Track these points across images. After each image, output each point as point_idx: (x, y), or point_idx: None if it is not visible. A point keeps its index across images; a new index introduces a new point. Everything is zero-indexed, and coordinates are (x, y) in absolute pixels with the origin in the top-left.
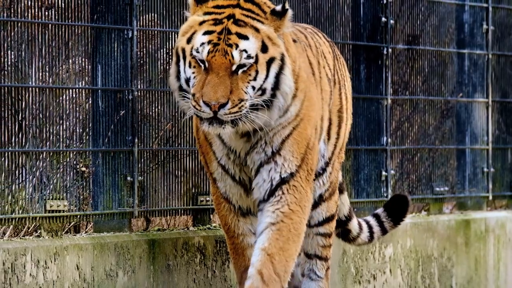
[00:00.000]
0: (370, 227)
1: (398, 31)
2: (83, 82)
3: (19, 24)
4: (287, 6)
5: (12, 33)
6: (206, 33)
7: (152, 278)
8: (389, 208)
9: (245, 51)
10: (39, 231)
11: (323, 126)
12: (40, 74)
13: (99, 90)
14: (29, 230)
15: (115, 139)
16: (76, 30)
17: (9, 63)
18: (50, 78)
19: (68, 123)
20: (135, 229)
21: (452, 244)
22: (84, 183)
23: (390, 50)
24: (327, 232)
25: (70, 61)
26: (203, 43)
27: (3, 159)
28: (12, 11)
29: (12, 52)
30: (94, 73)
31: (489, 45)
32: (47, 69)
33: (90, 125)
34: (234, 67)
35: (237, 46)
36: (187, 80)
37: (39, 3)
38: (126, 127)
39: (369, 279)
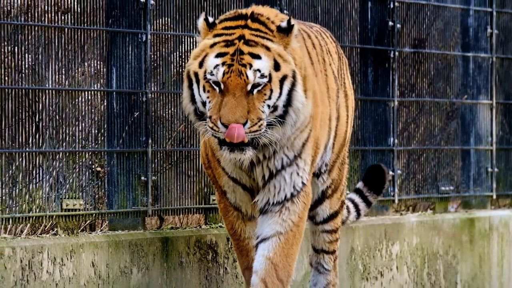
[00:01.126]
0: (356, 206)
1: (404, 35)
2: (98, 84)
3: (36, 28)
4: (292, 22)
5: (30, 37)
6: (218, 55)
7: (166, 275)
8: (368, 181)
9: (259, 70)
10: (55, 229)
11: (331, 126)
12: (57, 76)
13: (114, 92)
14: (46, 228)
15: (129, 140)
16: (92, 34)
17: (27, 66)
18: (66, 81)
19: (83, 124)
20: (149, 227)
21: (457, 242)
22: (100, 183)
23: (397, 53)
24: (332, 228)
25: (86, 64)
26: (217, 65)
27: (20, 159)
28: (29, 15)
29: (30, 55)
30: (109, 76)
31: (493, 48)
32: (63, 72)
33: (105, 126)
34: (249, 87)
35: (251, 66)
36: (204, 103)
37: (56, 8)
38: (140, 128)
39: (376, 275)
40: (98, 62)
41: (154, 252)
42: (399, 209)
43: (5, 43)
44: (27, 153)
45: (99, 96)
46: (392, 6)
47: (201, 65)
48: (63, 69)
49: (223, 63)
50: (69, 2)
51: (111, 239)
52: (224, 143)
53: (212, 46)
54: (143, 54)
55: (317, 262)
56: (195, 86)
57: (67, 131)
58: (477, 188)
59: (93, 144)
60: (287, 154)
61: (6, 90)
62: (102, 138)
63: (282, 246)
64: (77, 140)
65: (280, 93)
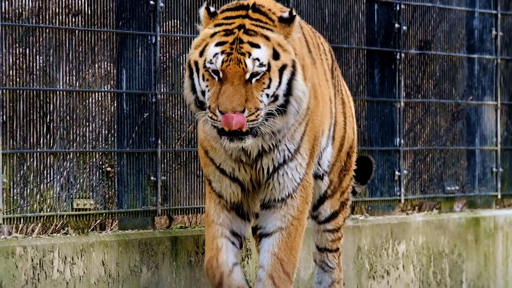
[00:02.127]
0: None
1: (410, 36)
2: (109, 85)
3: (47, 30)
4: (294, 12)
5: (41, 39)
6: (218, 44)
7: (175, 274)
8: (355, 171)
9: (258, 59)
10: (66, 229)
11: (330, 128)
12: (68, 78)
13: (124, 94)
14: (56, 228)
15: (139, 141)
16: (102, 36)
17: (38, 67)
18: (77, 82)
19: (94, 125)
20: (158, 226)
21: (463, 241)
22: (110, 183)
23: (403, 55)
24: (334, 227)
25: (96, 65)
26: (216, 54)
27: (32, 159)
28: (41, 17)
29: (41, 57)
30: (119, 77)
31: (498, 50)
32: (74, 73)
33: (115, 127)
34: (247, 76)
35: (250, 54)
36: (203, 93)
37: (67, 10)
38: (149, 129)
39: (382, 274)
40: (108, 64)
41: (164, 251)
42: (405, 209)
43: (17, 44)
44: (38, 154)
45: (109, 97)
46: (398, 8)
47: (201, 54)
48: (74, 71)
49: (222, 52)
50: (79, 5)
51: (121, 238)
52: (223, 132)
53: (212, 35)
54: (153, 56)
55: (321, 260)
56: (195, 75)
57: (78, 132)
58: (482, 188)
59: (103, 145)
60: (289, 147)
61: (18, 91)
62: (112, 138)
63: (285, 241)
64: (87, 141)
65: (280, 82)
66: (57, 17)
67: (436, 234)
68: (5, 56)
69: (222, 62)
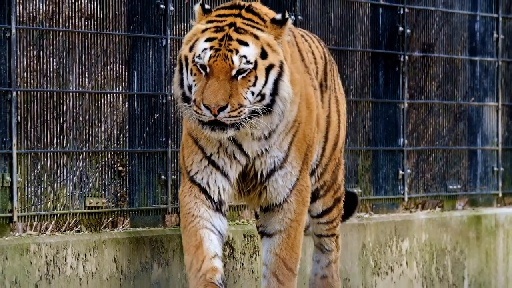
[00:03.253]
0: None
1: (414, 39)
2: (120, 87)
3: (61, 33)
4: (287, 15)
5: (54, 42)
6: (208, 40)
7: (185, 270)
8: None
9: (245, 56)
10: (79, 226)
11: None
12: (80, 80)
13: (135, 95)
14: (69, 225)
15: (149, 141)
16: (114, 39)
17: (52, 69)
18: (90, 84)
19: (106, 125)
20: (169, 224)
21: (464, 238)
22: (121, 182)
23: (406, 57)
24: (328, 220)
25: (108, 67)
26: (205, 49)
27: (45, 159)
28: (54, 21)
29: (54, 59)
30: (130, 79)
31: (499, 52)
32: (86, 75)
33: (127, 128)
34: (233, 72)
35: (237, 51)
36: (190, 87)
37: (79, 14)
38: (160, 130)
39: (387, 271)
40: (120, 66)
41: (174, 248)
42: (409, 207)
43: (31, 47)
44: (52, 153)
45: (121, 99)
46: (402, 12)
47: (191, 49)
48: (87, 73)
49: (211, 47)
50: (92, 8)
51: (132, 236)
52: (206, 122)
53: (203, 31)
54: (163, 58)
55: (319, 243)
56: (184, 70)
57: (90, 132)
58: (484, 187)
59: (115, 145)
60: (277, 154)
61: (32, 92)
62: (124, 138)
63: (286, 241)
64: (99, 141)
65: (266, 81)
66: (70, 21)
67: (439, 232)
68: (19, 59)
69: (210, 57)
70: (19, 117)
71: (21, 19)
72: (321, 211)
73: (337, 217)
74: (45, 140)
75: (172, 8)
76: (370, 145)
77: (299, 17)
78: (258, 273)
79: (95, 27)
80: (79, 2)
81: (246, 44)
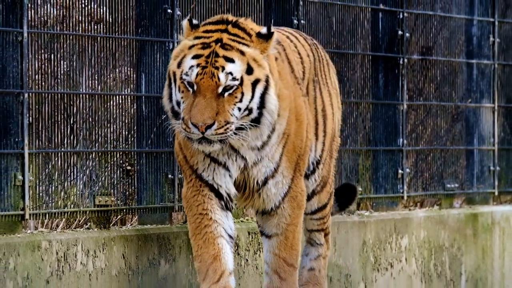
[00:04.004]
0: None
1: (413, 43)
2: (129, 89)
3: (71, 37)
4: (272, 29)
5: (65, 45)
6: (195, 57)
7: (191, 266)
8: (338, 195)
9: (231, 73)
10: (88, 224)
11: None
12: (90, 82)
13: (143, 97)
14: (79, 223)
15: (157, 141)
16: (122, 43)
17: (62, 72)
18: (99, 86)
19: (115, 126)
20: (176, 221)
21: (462, 236)
22: (130, 181)
23: (405, 60)
24: (320, 217)
25: (117, 70)
26: (192, 66)
27: (56, 158)
28: (65, 25)
29: (65, 62)
30: (138, 81)
31: (495, 55)
32: (96, 77)
33: (135, 128)
34: (220, 89)
35: (223, 68)
36: (178, 103)
37: (89, 18)
38: (167, 130)
39: (386, 267)
40: (128, 69)
41: (180, 245)
42: (408, 205)
43: (42, 50)
44: (62, 153)
45: (129, 100)
46: (401, 16)
47: (179, 65)
48: (96, 75)
49: (198, 65)
50: (101, 13)
51: (141, 233)
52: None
53: (190, 47)
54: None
55: (310, 237)
56: (173, 85)
57: (100, 133)
58: (480, 186)
59: (123, 145)
60: (269, 165)
61: (43, 94)
62: (132, 139)
63: (284, 243)
64: (109, 141)
65: (252, 96)
66: (80, 25)
67: (437, 229)
68: (31, 62)
69: (197, 75)
70: (30, 118)
71: (33, 23)
72: (316, 208)
73: (328, 213)
74: (56, 140)
75: (178, 12)
76: (371, 145)
77: (302, 21)
78: (262, 269)
79: (104, 31)
80: (89, 7)
81: (232, 60)
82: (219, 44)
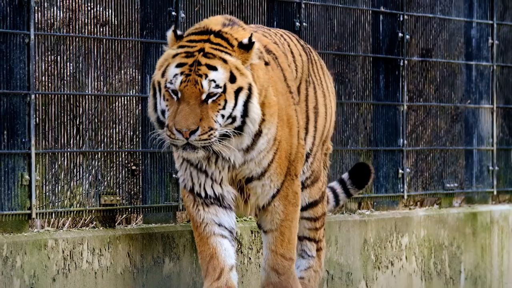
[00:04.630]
0: (336, 195)
1: (413, 45)
2: (134, 90)
3: (77, 39)
4: (253, 39)
5: (71, 47)
6: (178, 65)
7: (195, 264)
8: (354, 175)
9: (214, 81)
10: (94, 223)
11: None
12: (96, 83)
13: (148, 98)
14: (85, 222)
15: (162, 141)
16: (128, 45)
17: (68, 73)
18: (104, 87)
19: (120, 127)
20: (180, 220)
21: (461, 234)
22: (135, 180)
23: (406, 62)
24: (311, 216)
25: (122, 72)
26: (176, 74)
27: (62, 158)
28: (71, 27)
29: (71, 64)
30: (143, 83)
31: (494, 57)
32: (101, 79)
33: (140, 129)
34: (203, 96)
35: (206, 76)
36: (163, 112)
37: (95, 21)
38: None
39: (387, 265)
40: (133, 70)
41: (185, 243)
42: (408, 204)
43: (49, 52)
44: (68, 153)
45: (134, 101)
46: (401, 19)
47: (163, 74)
48: (102, 77)
49: (181, 73)
50: (107, 16)
51: (145, 232)
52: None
53: (174, 56)
54: None
55: (301, 249)
56: (158, 95)
57: (105, 133)
58: (479, 185)
59: (128, 145)
60: (256, 170)
61: (50, 95)
62: (137, 139)
63: (280, 239)
64: (114, 141)
65: (235, 104)
66: (86, 27)
67: (437, 228)
68: (38, 63)
69: (181, 82)
70: (37, 118)
71: (40, 26)
72: (307, 203)
73: (320, 216)
74: (62, 140)
75: (183, 15)
76: (371, 146)
77: (304, 24)
78: None
79: (110, 33)
80: (95, 9)
81: (215, 68)
82: (202, 53)
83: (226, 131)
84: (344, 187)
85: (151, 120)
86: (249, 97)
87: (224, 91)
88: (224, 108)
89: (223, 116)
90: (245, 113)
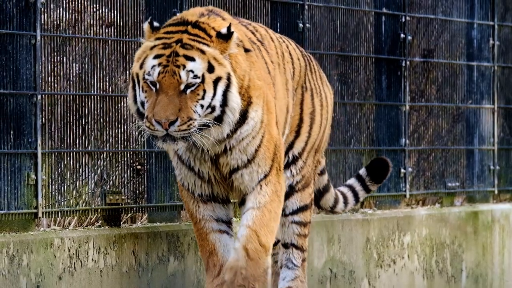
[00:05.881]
0: (355, 193)
1: (415, 46)
2: None
3: (83, 40)
4: (232, 29)
5: (77, 48)
6: (156, 56)
7: (199, 263)
8: (371, 170)
9: (192, 71)
10: (100, 222)
11: (287, 118)
12: (101, 84)
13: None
14: (91, 221)
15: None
16: (133, 46)
17: (74, 74)
18: (110, 88)
19: (125, 127)
20: (184, 219)
21: (462, 233)
22: (140, 180)
23: (408, 62)
24: (301, 221)
25: (127, 72)
26: (154, 66)
27: (68, 158)
28: (77, 28)
29: (77, 65)
30: None
31: (495, 58)
32: (107, 79)
33: None
34: (182, 87)
35: (184, 66)
36: (143, 104)
37: (100, 22)
38: (137, 133)
39: (389, 263)
40: None
41: (189, 242)
42: (410, 203)
43: (55, 53)
44: (74, 153)
45: None
46: (403, 20)
47: (141, 66)
48: (107, 77)
49: (159, 64)
50: (112, 17)
51: (150, 230)
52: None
53: (152, 48)
54: None
55: (287, 258)
56: (137, 87)
57: (111, 133)
58: (481, 184)
59: (134, 145)
60: (241, 157)
61: (56, 96)
62: (142, 139)
63: (259, 217)
64: (119, 141)
65: (214, 94)
66: (92, 28)
67: (438, 227)
68: (44, 64)
69: (159, 73)
70: (43, 119)
71: (46, 27)
72: (298, 207)
73: (309, 223)
74: (68, 140)
75: None
76: (374, 145)
77: (307, 25)
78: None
79: (115, 34)
80: (100, 11)
81: (192, 59)
82: (180, 44)
83: (206, 121)
84: (363, 183)
85: (132, 111)
86: (228, 86)
87: (203, 81)
88: (203, 98)
89: (202, 106)
90: (224, 103)
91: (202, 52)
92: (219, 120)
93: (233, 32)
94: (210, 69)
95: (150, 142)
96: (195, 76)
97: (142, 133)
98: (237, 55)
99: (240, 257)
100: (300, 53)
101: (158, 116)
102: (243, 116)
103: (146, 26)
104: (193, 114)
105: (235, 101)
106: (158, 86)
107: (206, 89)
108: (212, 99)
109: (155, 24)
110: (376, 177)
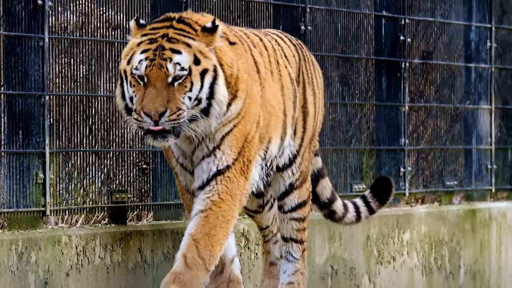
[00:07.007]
0: (357, 208)
1: (414, 48)
2: None
3: (90, 42)
4: (217, 22)
5: (84, 50)
6: (143, 51)
7: None
8: (375, 190)
9: (179, 63)
10: (106, 220)
11: (286, 121)
12: (108, 85)
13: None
14: (98, 219)
15: None
16: None
17: (81, 75)
18: (116, 89)
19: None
20: (189, 217)
21: (461, 230)
22: (145, 179)
23: (407, 64)
24: (300, 216)
25: None
26: (141, 60)
27: (76, 158)
28: (84, 31)
29: (84, 66)
30: None
31: (492, 60)
32: (113, 80)
33: None
34: (169, 79)
35: (171, 59)
36: (131, 99)
37: (107, 24)
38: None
39: (389, 260)
40: None
41: None
42: (410, 202)
43: (63, 55)
44: (81, 153)
45: None
46: (403, 22)
47: (129, 62)
48: (113, 78)
49: (146, 58)
50: (118, 19)
51: (156, 228)
52: (148, 131)
53: (139, 44)
54: None
55: (286, 251)
56: (125, 83)
57: (117, 133)
58: (478, 183)
59: (139, 145)
60: (208, 145)
61: (63, 96)
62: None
63: (202, 224)
64: (125, 141)
65: (201, 86)
66: (99, 31)
67: (437, 224)
68: (52, 66)
69: (146, 67)
70: (51, 119)
71: (54, 29)
72: (296, 204)
73: (307, 216)
74: (75, 140)
75: None
76: (374, 145)
77: (309, 27)
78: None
79: (122, 36)
80: (107, 13)
81: (179, 52)
82: (166, 38)
83: (194, 113)
84: (366, 202)
85: (119, 108)
86: (214, 78)
87: (190, 74)
88: (190, 90)
89: (190, 98)
90: (211, 95)
91: (188, 45)
92: (205, 112)
93: (218, 25)
94: (196, 61)
95: None
96: (182, 69)
97: (130, 128)
98: (223, 47)
99: (179, 264)
100: (294, 47)
101: (147, 108)
102: (227, 109)
103: (132, 23)
104: (181, 105)
105: (222, 94)
106: (146, 79)
107: (193, 81)
108: (199, 92)
109: (141, 21)
110: (380, 197)
